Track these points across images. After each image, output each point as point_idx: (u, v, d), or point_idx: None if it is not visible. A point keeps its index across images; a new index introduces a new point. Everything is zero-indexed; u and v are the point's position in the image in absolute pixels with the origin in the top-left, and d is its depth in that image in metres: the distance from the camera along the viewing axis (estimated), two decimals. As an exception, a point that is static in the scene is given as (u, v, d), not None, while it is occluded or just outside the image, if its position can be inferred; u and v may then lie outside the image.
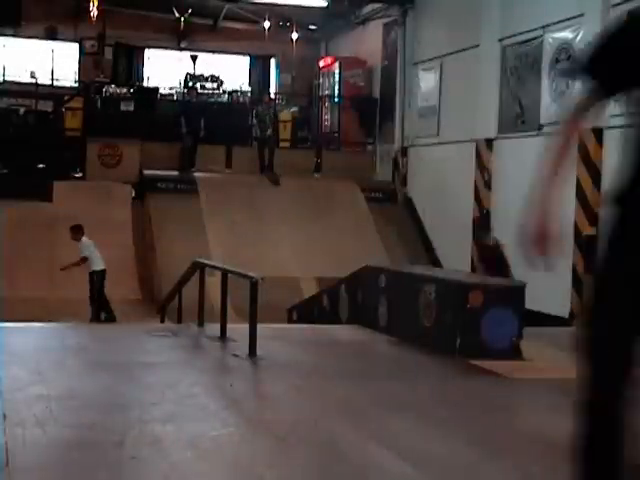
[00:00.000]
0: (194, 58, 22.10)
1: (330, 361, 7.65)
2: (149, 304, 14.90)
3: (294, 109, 21.68)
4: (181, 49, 23.18)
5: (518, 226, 2.84)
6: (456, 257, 16.07)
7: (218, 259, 13.36)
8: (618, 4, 12.19)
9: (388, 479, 4.26)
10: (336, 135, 21.24)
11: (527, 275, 9.12)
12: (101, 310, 13.36)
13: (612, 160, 12.23)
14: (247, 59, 23.79)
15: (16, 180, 17.08)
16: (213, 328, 8.38)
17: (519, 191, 14.31)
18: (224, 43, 23.02)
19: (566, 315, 12.60)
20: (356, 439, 4.86)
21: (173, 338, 8.35)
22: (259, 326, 7.33)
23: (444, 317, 7.82)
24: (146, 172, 18.02)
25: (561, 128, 3.00)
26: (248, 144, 19.73)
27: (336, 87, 21.58)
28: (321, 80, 22.52)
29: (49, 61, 22.21)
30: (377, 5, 20.08)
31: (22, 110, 19.74)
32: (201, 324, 8.90)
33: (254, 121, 19.46)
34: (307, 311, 12.03)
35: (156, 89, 20.97)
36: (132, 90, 20.15)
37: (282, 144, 19.97)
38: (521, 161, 14.56)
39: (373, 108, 20.65)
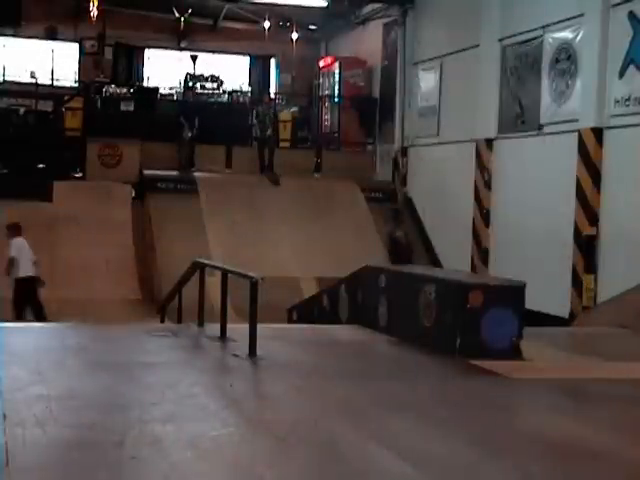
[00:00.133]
0: (194, 58, 22.08)
1: (330, 361, 7.65)
2: (149, 304, 14.89)
3: (294, 109, 21.67)
4: (181, 49, 23.18)
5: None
6: (456, 257, 16.07)
7: (218, 259, 13.37)
8: (618, 4, 12.21)
9: (388, 479, 4.26)
10: (336, 135, 21.24)
11: (525, 275, 9.14)
12: (33, 316, 12.45)
13: (612, 160, 12.25)
14: (247, 59, 23.79)
15: (16, 180, 17.09)
16: (213, 328, 8.38)
17: (519, 191, 14.39)
18: (224, 43, 23.03)
19: (566, 315, 12.59)
20: (356, 439, 4.86)
21: (173, 338, 8.35)
22: (259, 326, 7.33)
23: (444, 317, 7.82)
24: (146, 172, 18.02)
25: None
26: (248, 144, 19.73)
27: (336, 87, 21.58)
28: (321, 80, 22.52)
29: (49, 61, 22.22)
30: (377, 5, 20.07)
31: (22, 110, 19.75)
32: (201, 324, 8.90)
33: (254, 121, 19.47)
34: (307, 311, 12.03)
35: (156, 89, 20.97)
36: (132, 90, 20.15)
37: (282, 144, 19.97)
38: (521, 161, 14.59)
39: (373, 108, 20.66)
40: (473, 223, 15.85)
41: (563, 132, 13.32)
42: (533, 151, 14.24)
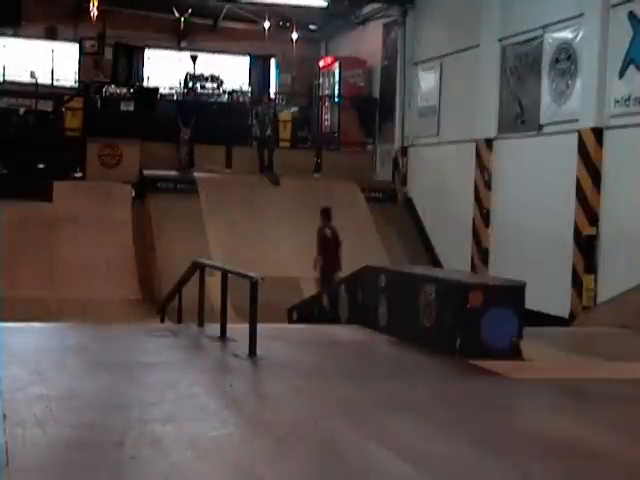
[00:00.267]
0: (194, 58, 22.09)
1: (330, 361, 7.65)
2: (149, 304, 14.89)
3: (294, 109, 21.68)
4: (181, 49, 23.19)
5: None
6: (456, 257, 16.08)
7: (218, 259, 13.37)
8: (618, 4, 12.20)
9: (388, 479, 4.26)
10: (336, 135, 21.24)
11: (523, 275, 9.13)
12: None
13: (612, 160, 12.25)
14: (247, 59, 23.78)
15: (16, 180, 17.09)
16: (213, 328, 8.38)
17: (519, 191, 14.38)
18: (224, 43, 23.04)
19: (566, 315, 12.59)
20: (356, 439, 4.86)
21: (173, 338, 8.35)
22: (259, 326, 7.33)
23: (444, 317, 7.82)
24: (146, 172, 18.02)
25: None
26: (248, 144, 19.73)
27: (336, 87, 21.59)
28: (321, 80, 22.53)
29: (49, 61, 22.21)
30: (377, 5, 20.08)
31: (22, 110, 19.74)
32: (201, 324, 8.90)
33: (254, 121, 19.47)
34: (307, 311, 12.03)
35: (156, 89, 20.98)
36: (132, 90, 20.16)
37: (282, 144, 19.97)
38: (521, 161, 14.59)
39: (373, 108, 20.66)
40: (473, 223, 15.86)
41: (563, 132, 13.32)
42: (533, 151, 14.24)
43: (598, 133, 12.44)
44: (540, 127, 14.01)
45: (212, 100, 21.47)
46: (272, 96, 21.84)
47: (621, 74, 12.05)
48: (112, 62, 21.80)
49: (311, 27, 22.82)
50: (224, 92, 21.73)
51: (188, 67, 22.07)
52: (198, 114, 19.00)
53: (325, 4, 20.14)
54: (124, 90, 19.89)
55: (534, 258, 13.58)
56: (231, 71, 23.24)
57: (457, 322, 7.66)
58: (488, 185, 15.48)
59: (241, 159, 19.05)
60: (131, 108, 19.33)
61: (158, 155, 18.46)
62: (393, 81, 19.45)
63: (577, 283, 12.59)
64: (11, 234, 15.26)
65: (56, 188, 17.09)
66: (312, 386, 6.43)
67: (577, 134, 12.80)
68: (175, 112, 19.32)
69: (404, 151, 19.01)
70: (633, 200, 11.83)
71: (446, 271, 13.07)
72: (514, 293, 7.82)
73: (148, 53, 22.84)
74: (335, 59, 21.93)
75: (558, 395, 6.41)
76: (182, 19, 22.32)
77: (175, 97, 21.56)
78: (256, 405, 5.90)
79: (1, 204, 15.49)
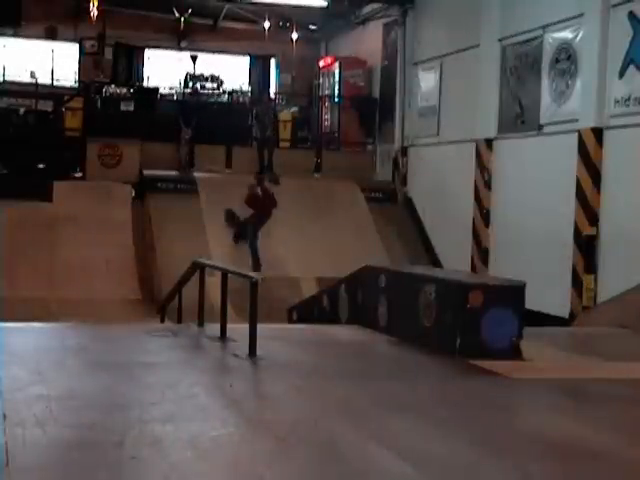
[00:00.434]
0: (194, 58, 22.09)
1: (330, 361, 7.65)
2: (149, 304, 14.89)
3: (294, 109, 21.67)
4: (181, 49, 23.18)
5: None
6: (456, 257, 16.08)
7: (218, 259, 13.37)
8: (618, 4, 12.20)
9: (388, 479, 4.26)
10: (336, 135, 21.24)
11: (527, 275, 9.14)
12: None
13: (612, 160, 12.25)
14: (247, 59, 23.78)
15: (16, 180, 17.09)
16: (213, 328, 8.38)
17: (519, 191, 14.37)
18: (224, 43, 23.03)
19: (566, 315, 12.59)
20: (356, 439, 4.86)
21: (173, 338, 8.35)
22: (259, 326, 7.33)
23: (444, 317, 7.82)
24: (146, 172, 18.02)
25: None
26: (248, 144, 19.73)
27: (336, 87, 21.58)
28: (321, 80, 22.53)
29: (49, 61, 22.20)
30: (377, 5, 20.07)
31: (22, 110, 19.74)
32: (201, 324, 8.90)
33: (254, 121, 19.47)
34: (307, 311, 12.03)
35: (156, 89, 20.97)
36: (132, 90, 20.15)
37: (282, 144, 19.97)
38: (521, 161, 14.59)
39: (373, 108, 20.66)
40: (473, 223, 15.85)
41: (563, 132, 13.32)
42: (533, 151, 14.24)
43: (598, 133, 12.44)
44: (540, 127, 14.01)
45: (212, 100, 21.46)
46: (272, 96, 21.83)
47: (621, 74, 12.05)
48: (112, 62, 21.80)
49: (311, 27, 22.82)
50: (224, 92, 21.73)
51: (188, 67, 22.07)
52: (199, 114, 19.02)
53: (325, 4, 20.14)
54: (124, 90, 19.88)
55: (534, 258, 13.58)
56: (231, 71, 23.24)
57: (457, 322, 7.66)
58: (488, 185, 15.48)
59: (241, 159, 19.04)
60: (131, 108, 19.32)
61: (158, 155, 18.46)
62: (393, 81, 19.45)
63: (577, 283, 12.59)
64: (11, 234, 15.26)
65: (56, 188, 17.09)
66: (312, 386, 6.43)
67: (577, 134, 12.80)
68: (177, 112, 19.31)
69: (404, 151, 19.01)
70: (633, 200, 11.83)
71: (446, 271, 13.07)
72: (514, 293, 7.82)
73: (148, 53, 22.84)
74: (335, 59, 21.93)
75: (558, 395, 6.41)
76: (182, 19, 22.31)
77: (175, 97, 21.55)
78: (256, 405, 5.90)
79: (1, 204, 15.49)
